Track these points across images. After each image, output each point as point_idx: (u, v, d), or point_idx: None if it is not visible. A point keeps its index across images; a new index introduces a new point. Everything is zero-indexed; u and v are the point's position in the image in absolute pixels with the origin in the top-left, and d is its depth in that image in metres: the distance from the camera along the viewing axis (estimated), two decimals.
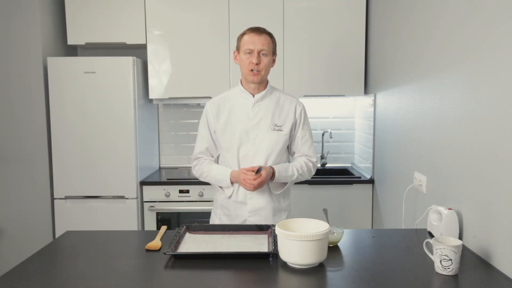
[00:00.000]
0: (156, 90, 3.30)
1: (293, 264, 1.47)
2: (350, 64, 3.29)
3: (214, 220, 2.20)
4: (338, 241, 1.70)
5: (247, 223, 2.05)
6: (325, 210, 1.88)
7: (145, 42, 3.28)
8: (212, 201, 3.15)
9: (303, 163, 2.10)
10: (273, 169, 2.00)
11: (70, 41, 3.29)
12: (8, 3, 3.05)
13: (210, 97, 3.32)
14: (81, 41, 3.29)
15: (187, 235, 1.77)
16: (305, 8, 3.25)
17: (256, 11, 3.24)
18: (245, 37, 2.00)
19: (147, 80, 3.34)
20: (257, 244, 1.66)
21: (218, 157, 2.18)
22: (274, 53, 2.05)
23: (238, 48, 2.05)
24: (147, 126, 3.42)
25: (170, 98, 3.33)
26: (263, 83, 2.06)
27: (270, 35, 2.03)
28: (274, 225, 1.77)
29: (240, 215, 2.08)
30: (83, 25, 3.26)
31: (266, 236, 1.75)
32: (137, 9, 3.25)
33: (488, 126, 1.55)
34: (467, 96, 1.70)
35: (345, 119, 3.68)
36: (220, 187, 2.10)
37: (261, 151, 2.03)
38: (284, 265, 1.49)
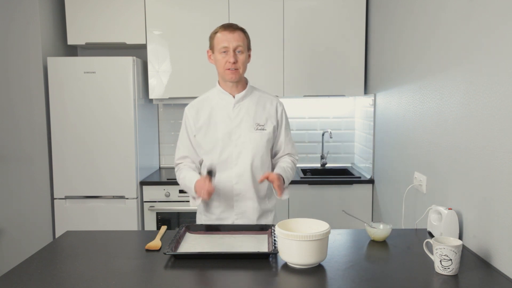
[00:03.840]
0: (156, 90, 3.30)
1: (293, 264, 1.47)
2: (350, 64, 3.29)
3: None
4: (386, 237, 1.75)
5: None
6: (344, 211, 1.98)
7: (145, 42, 3.28)
8: None
9: (290, 162, 2.07)
10: (282, 176, 1.93)
11: (70, 41, 3.29)
12: (8, 3, 3.05)
13: None
14: (81, 41, 3.29)
15: (187, 235, 1.77)
16: (305, 8, 3.25)
17: (256, 11, 3.24)
18: (218, 35, 1.93)
19: (147, 80, 3.34)
20: (257, 244, 1.66)
21: (201, 162, 2.07)
22: (249, 48, 1.99)
23: (212, 47, 1.98)
24: (147, 126, 3.42)
25: (170, 98, 3.33)
26: (241, 82, 2.00)
27: (243, 31, 1.96)
28: (274, 225, 1.77)
29: (226, 217, 2.02)
30: (83, 25, 3.26)
31: (266, 236, 1.75)
32: (137, 9, 3.25)
33: (488, 126, 1.55)
34: (467, 96, 1.70)
35: (345, 119, 3.68)
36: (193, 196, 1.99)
37: (245, 152, 1.97)
38: (284, 265, 1.49)
